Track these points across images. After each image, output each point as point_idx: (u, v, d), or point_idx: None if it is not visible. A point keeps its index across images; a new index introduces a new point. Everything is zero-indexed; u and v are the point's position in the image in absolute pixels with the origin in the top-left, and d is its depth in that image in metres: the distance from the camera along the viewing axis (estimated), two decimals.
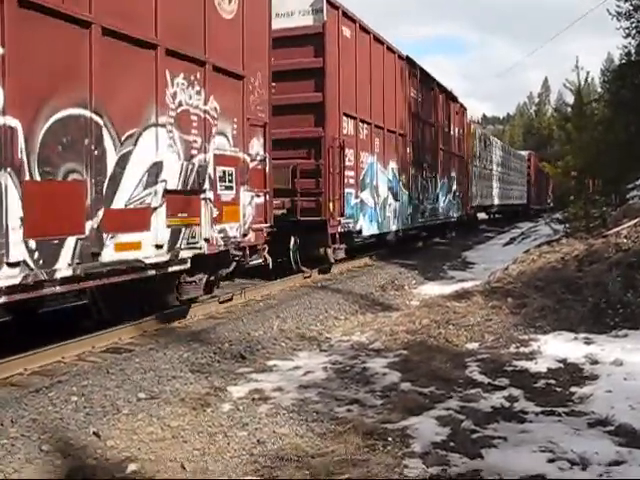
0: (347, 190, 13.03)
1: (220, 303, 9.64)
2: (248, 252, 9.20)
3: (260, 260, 9.77)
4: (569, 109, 16.28)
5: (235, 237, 8.74)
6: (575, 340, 7.18)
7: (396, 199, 16.23)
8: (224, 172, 8.43)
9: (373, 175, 14.59)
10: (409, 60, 17.58)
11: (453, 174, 22.82)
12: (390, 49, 15.99)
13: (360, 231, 14.07)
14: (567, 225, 14.92)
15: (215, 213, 8.21)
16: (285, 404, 5.51)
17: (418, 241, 20.75)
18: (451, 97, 22.78)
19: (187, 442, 4.71)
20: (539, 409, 5.27)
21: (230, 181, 8.58)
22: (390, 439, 4.63)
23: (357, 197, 13.61)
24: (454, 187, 22.95)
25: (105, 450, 4.56)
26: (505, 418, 5.06)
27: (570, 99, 16.12)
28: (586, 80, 14.44)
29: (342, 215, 12.75)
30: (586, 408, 5.27)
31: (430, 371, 6.33)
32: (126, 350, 7.15)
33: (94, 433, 4.81)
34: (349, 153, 13.12)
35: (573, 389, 5.79)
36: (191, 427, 4.98)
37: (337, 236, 12.73)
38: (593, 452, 4.27)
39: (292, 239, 12.47)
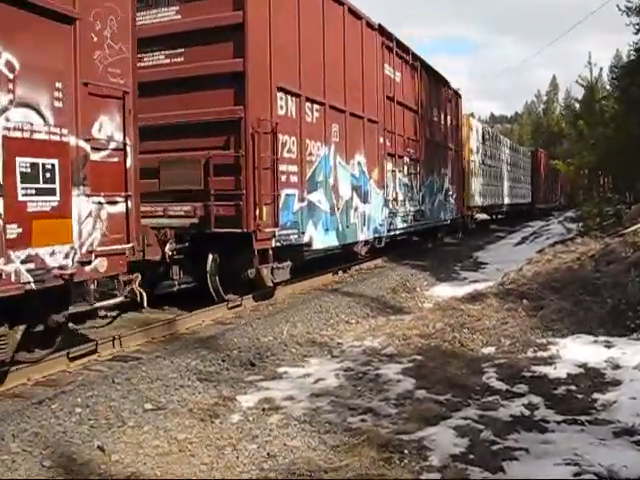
0: (286, 191, 9.82)
1: (229, 309, 9.48)
2: (93, 287, 6.34)
3: (120, 298, 6.77)
4: (578, 105, 15.99)
5: (63, 267, 5.81)
6: (595, 343, 6.95)
7: (365, 201, 13.16)
8: (33, 166, 5.51)
9: (329, 171, 11.38)
10: (382, 30, 14.17)
11: (445, 170, 20.14)
12: (355, 13, 12.60)
13: (309, 243, 10.77)
14: (581, 224, 14.66)
15: (13, 232, 5.32)
16: (296, 414, 5.32)
17: (428, 241, 20.43)
18: (442, 81, 19.97)
19: (194, 456, 4.52)
20: (561, 417, 5.05)
21: (49, 180, 5.66)
22: (406, 451, 4.42)
23: (303, 200, 10.35)
24: (446, 185, 20.26)
25: (109, 466, 4.38)
26: (526, 428, 4.84)
27: (579, 96, 15.90)
28: (599, 76, 14.20)
29: (276, 225, 9.58)
30: (610, 416, 5.05)
31: (445, 377, 6.12)
32: (133, 358, 6.98)
33: (98, 447, 4.63)
34: (288, 141, 9.98)
35: (595, 395, 5.56)
36: (199, 440, 4.80)
37: (271, 253, 9.60)
38: (621, 465, 4.05)
39: (209, 258, 9.47)
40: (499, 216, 34.31)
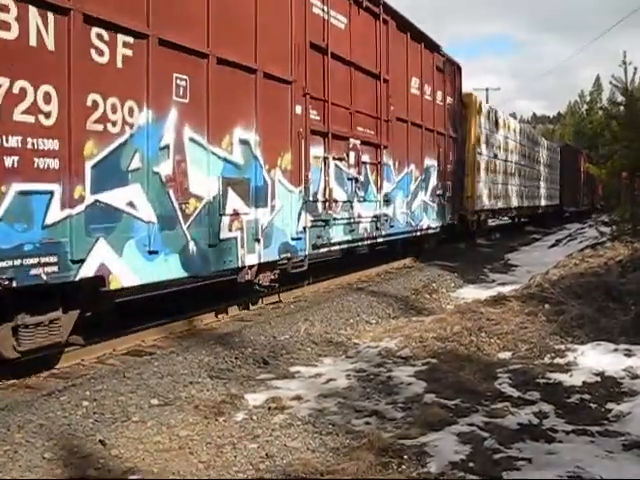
0: (20, 187, 5.26)
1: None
2: None
3: None
4: (621, 108, 15.65)
5: None
6: (615, 351, 6.76)
7: (259, 203, 8.47)
8: None
9: (158, 153, 6.81)
10: None
11: (433, 162, 15.52)
12: None
13: (101, 279, 6.10)
14: (613, 228, 14.36)
15: None
16: (301, 414, 5.28)
17: (460, 242, 20.15)
18: (430, 45, 15.24)
19: (193, 454, 4.52)
20: (570, 427, 4.92)
21: None
22: (406, 457, 4.35)
23: (77, 201, 5.81)
24: (434, 182, 15.65)
25: (108, 460, 4.40)
26: (532, 437, 4.73)
27: (620, 97, 15.50)
28: (634, 75, 13.81)
29: None
30: (622, 428, 4.91)
31: (457, 382, 6.02)
32: (147, 353, 7.03)
33: (100, 441, 4.65)
34: (27, 91, 5.34)
35: (609, 406, 5.42)
36: (200, 437, 4.79)
37: None
38: None
39: None
40: (516, 219, 30.46)
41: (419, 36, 14.53)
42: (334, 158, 10.45)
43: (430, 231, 15.80)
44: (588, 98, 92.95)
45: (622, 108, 15.32)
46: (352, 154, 11.19)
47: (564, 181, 37.80)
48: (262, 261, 8.65)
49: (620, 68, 14.01)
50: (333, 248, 11.21)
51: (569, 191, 39.04)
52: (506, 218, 28.20)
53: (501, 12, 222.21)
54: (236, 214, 8.04)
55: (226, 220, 7.84)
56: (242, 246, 8.14)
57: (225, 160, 7.83)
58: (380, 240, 13.11)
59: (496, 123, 22.68)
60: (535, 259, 17.77)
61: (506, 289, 10.77)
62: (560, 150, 38.61)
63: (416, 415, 5.21)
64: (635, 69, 14.07)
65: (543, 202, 32.67)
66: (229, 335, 7.82)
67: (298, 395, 5.78)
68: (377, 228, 12.30)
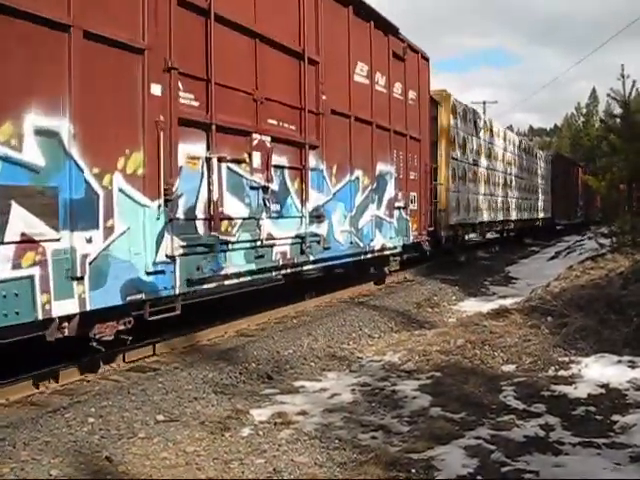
0: None
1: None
2: None
3: None
4: (617, 120, 15.75)
5: None
6: (619, 363, 6.77)
7: (73, 225, 5.71)
8: None
9: None
10: None
11: (387, 168, 12.46)
12: None
13: None
14: (613, 239, 14.39)
15: None
16: (307, 429, 5.28)
17: (461, 255, 20.12)
18: (383, 25, 12.19)
19: (200, 469, 4.51)
20: (577, 440, 4.92)
21: None
22: (413, 471, 4.36)
23: None
24: (390, 192, 12.62)
25: (115, 476, 4.39)
26: (539, 449, 4.73)
27: (618, 109, 15.61)
28: (632, 88, 13.92)
29: None
30: (628, 440, 4.91)
31: (462, 395, 6.03)
32: (150, 369, 7.01)
33: (106, 458, 4.64)
34: None
35: (615, 417, 5.42)
36: (207, 453, 4.79)
37: None
38: None
39: None
40: (505, 234, 28.00)
41: (368, 12, 11.52)
42: (225, 160, 7.69)
43: (386, 252, 12.75)
44: (584, 110, 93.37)
45: (618, 120, 15.42)
46: (257, 155, 8.33)
47: (556, 192, 35.65)
48: (91, 308, 5.87)
49: (617, 81, 14.12)
50: (228, 282, 8.06)
51: (562, 203, 36.86)
52: (489, 233, 24.92)
53: (498, 25, 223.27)
54: (29, 241, 5.30)
55: (5, 251, 5.13)
56: (44, 289, 5.42)
57: (3, 159, 5.14)
58: (309, 268, 10.26)
59: (475, 125, 20.00)
60: (535, 271, 17.79)
61: (507, 302, 10.79)
62: (552, 160, 36.33)
63: (422, 429, 5.21)
64: (634, 82, 14.18)
65: (533, 215, 30.67)
66: (232, 350, 7.80)
67: (303, 410, 5.79)
68: (302, 252, 9.44)
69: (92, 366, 6.82)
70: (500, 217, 23.56)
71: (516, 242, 28.44)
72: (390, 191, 12.60)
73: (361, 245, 11.48)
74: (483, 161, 21.12)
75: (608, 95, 14.28)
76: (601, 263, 11.06)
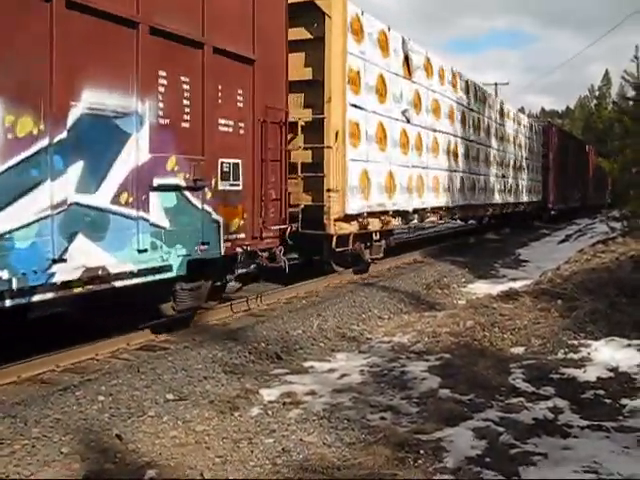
0: None
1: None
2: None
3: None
4: (630, 102, 15.58)
5: None
6: (628, 347, 6.74)
7: None
8: None
9: None
10: None
11: (126, 102, 6.15)
12: None
13: None
14: (624, 223, 14.29)
15: None
16: (316, 409, 5.30)
17: (470, 236, 20.00)
18: None
19: (210, 448, 4.54)
20: (585, 423, 4.92)
21: None
22: (422, 452, 4.36)
23: None
24: (131, 158, 6.23)
25: (125, 454, 4.43)
26: (547, 432, 4.73)
27: (631, 92, 15.44)
28: None
29: None
30: (637, 423, 4.90)
31: (471, 377, 6.02)
32: (160, 348, 7.04)
33: (116, 435, 4.68)
34: None
35: (624, 401, 5.41)
36: (216, 432, 4.81)
37: None
38: None
39: None
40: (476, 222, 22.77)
41: None
42: None
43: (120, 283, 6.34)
44: (597, 93, 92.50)
45: (631, 103, 15.27)
46: None
47: (549, 172, 29.59)
48: None
49: (631, 63, 13.94)
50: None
51: (558, 184, 30.78)
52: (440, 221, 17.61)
53: (512, 5, 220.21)
54: None
55: None
56: None
57: None
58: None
59: (406, 60, 13.09)
60: (545, 254, 17.72)
61: (517, 284, 10.76)
62: (544, 130, 29.78)
63: (431, 410, 5.22)
64: None
65: (513, 198, 23.67)
66: (242, 330, 7.82)
67: (312, 390, 5.80)
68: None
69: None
70: (458, 201, 16.87)
71: (524, 226, 26.96)
72: (132, 154, 6.28)
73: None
74: (427, 117, 14.35)
75: (622, 77, 14.11)
76: (612, 247, 11.00)
